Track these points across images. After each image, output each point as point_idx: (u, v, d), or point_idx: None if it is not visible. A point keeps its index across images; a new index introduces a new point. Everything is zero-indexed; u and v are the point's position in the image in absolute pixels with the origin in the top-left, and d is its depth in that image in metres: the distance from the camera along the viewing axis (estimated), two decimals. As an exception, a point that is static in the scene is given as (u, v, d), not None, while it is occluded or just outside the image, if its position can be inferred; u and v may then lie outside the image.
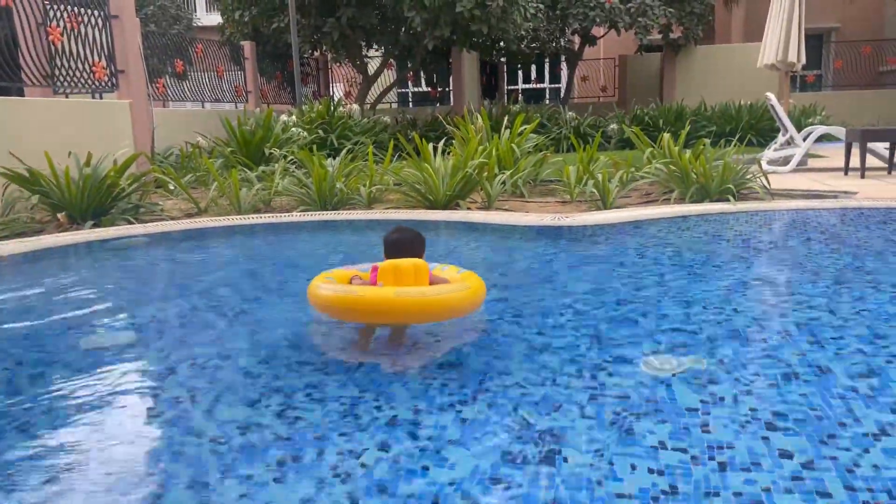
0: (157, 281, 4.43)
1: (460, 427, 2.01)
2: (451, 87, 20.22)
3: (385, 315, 2.60)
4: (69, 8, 8.05)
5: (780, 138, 9.35)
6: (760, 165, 6.65)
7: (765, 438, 1.88)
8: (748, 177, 6.48)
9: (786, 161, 8.91)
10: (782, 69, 9.99)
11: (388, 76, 17.79)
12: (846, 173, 8.11)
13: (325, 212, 6.27)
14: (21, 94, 8.03)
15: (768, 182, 6.46)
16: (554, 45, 18.57)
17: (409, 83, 22.58)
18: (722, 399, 2.14)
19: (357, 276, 2.80)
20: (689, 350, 2.59)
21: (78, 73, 8.10)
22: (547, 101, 22.11)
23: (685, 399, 2.14)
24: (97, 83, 8.43)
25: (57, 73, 7.95)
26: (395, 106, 20.81)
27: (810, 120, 12.88)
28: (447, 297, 2.59)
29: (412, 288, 2.57)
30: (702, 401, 2.13)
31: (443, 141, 7.72)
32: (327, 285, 2.71)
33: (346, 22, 13.58)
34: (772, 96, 9.48)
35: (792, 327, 2.90)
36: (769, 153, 9.17)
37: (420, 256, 2.85)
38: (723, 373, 2.35)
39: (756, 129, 13.52)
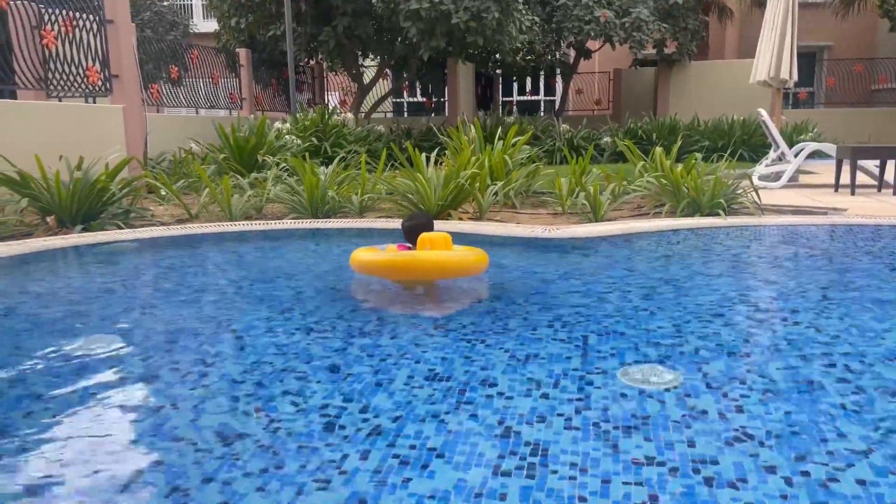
0: (143, 286, 4.41)
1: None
2: (445, 98, 20.28)
3: (430, 271, 3.72)
4: (64, 12, 8.05)
5: (772, 154, 9.40)
6: (751, 181, 6.68)
7: (753, 455, 1.87)
8: (739, 192, 6.51)
9: (777, 177, 8.96)
10: (775, 85, 10.07)
11: (384, 86, 17.82)
12: (836, 190, 8.16)
13: (316, 219, 6.26)
14: (14, 97, 8.01)
15: (759, 197, 6.49)
16: (549, 57, 18.67)
17: (405, 93, 22.63)
18: (705, 413, 2.14)
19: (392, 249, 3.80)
20: (671, 363, 2.58)
21: (71, 77, 8.08)
22: (541, 113, 22.19)
23: (671, 413, 2.14)
24: (91, 87, 8.41)
25: (50, 76, 7.93)
26: (389, 115, 20.86)
27: (802, 136, 12.96)
28: (467, 257, 3.72)
29: (451, 251, 3.65)
30: (684, 415, 2.12)
31: (436, 151, 7.73)
32: (382, 253, 3.76)
33: (341, 31, 13.62)
34: (763, 112, 9.54)
35: (779, 342, 2.91)
36: (760, 169, 9.22)
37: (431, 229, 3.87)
38: (705, 387, 2.35)
39: (748, 144, 13.60)
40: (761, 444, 1.93)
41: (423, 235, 3.66)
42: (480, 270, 3.85)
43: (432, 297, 3.78)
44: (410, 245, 3.83)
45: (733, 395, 2.28)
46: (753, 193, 6.52)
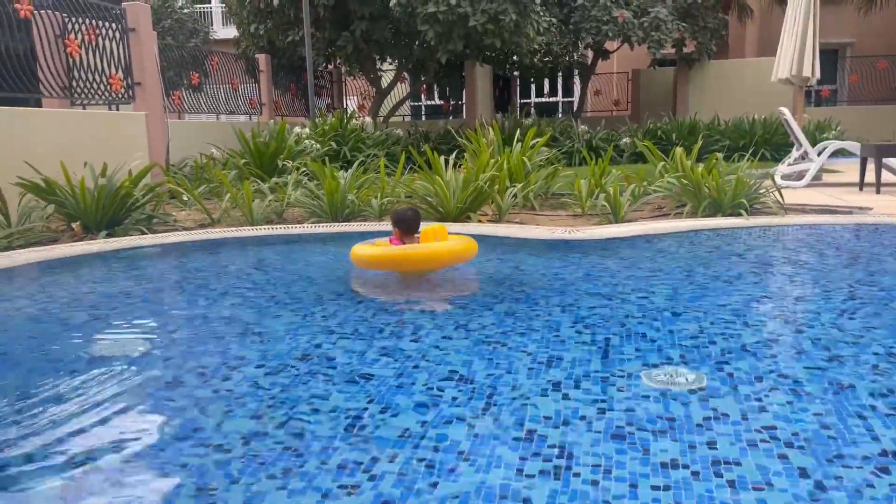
0: (166, 290, 4.46)
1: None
2: (463, 101, 20.29)
3: (427, 261, 4.05)
4: (87, 21, 8.17)
5: (794, 153, 9.29)
6: (774, 180, 6.61)
7: (782, 457, 1.85)
8: (761, 191, 6.44)
9: (800, 176, 8.85)
10: (797, 83, 9.95)
11: (402, 89, 17.88)
12: (861, 189, 8.05)
13: (336, 223, 6.29)
14: (39, 105, 8.14)
15: (782, 197, 6.42)
16: (567, 58, 18.61)
17: (422, 96, 22.69)
18: (727, 415, 2.12)
19: (386, 244, 4.11)
20: (695, 365, 2.56)
21: (95, 85, 8.20)
22: (559, 115, 22.13)
23: (694, 415, 2.12)
24: (114, 95, 8.53)
25: (74, 84, 8.06)
26: (407, 119, 20.91)
27: (825, 135, 12.79)
28: (458, 247, 4.06)
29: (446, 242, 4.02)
30: (706, 417, 2.11)
31: (454, 154, 7.74)
32: (379, 248, 4.04)
33: (360, 35, 13.69)
34: (785, 111, 9.44)
35: (805, 343, 2.87)
36: (783, 168, 9.12)
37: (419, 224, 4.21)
38: (730, 389, 2.33)
39: (770, 143, 13.45)
40: (788, 445, 1.91)
41: (427, 228, 4.02)
42: (470, 258, 4.22)
43: (452, 299, 3.79)
44: (402, 237, 4.14)
45: (758, 395, 2.26)
46: (776, 193, 6.45)
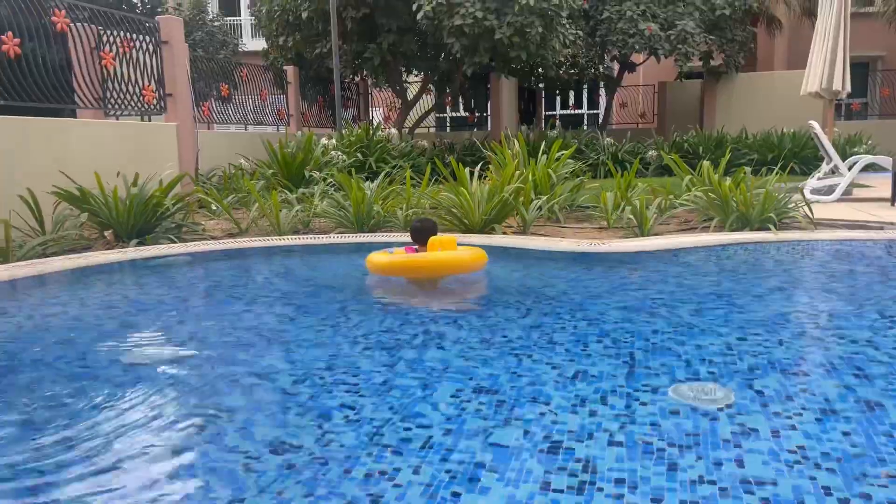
0: (196, 298, 4.53)
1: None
2: (488, 113, 20.34)
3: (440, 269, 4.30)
4: (122, 33, 8.36)
5: (824, 167, 9.17)
6: (803, 194, 6.53)
7: (812, 478, 1.83)
8: (790, 206, 6.37)
9: (830, 190, 8.73)
10: (827, 97, 9.83)
11: (427, 101, 17.96)
12: (893, 204, 7.91)
13: (362, 234, 6.34)
14: (73, 115, 8.33)
15: (811, 212, 6.34)
16: (593, 71, 18.57)
17: (448, 108, 22.78)
18: (756, 431, 2.10)
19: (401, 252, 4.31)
20: (723, 381, 2.54)
21: (128, 96, 8.38)
22: (585, 127, 22.08)
23: (722, 431, 2.11)
24: (146, 106, 8.70)
25: (108, 95, 8.24)
26: (432, 130, 21.00)
27: (855, 149, 12.61)
28: (467, 256, 4.27)
29: (456, 251, 4.22)
30: (733, 432, 2.09)
31: (479, 165, 7.76)
32: (390, 256, 4.27)
33: (386, 48, 13.81)
34: (815, 124, 9.33)
35: (835, 360, 2.83)
36: (812, 182, 9.00)
37: (436, 234, 4.37)
38: (759, 406, 2.30)
39: (799, 157, 13.28)
40: (817, 465, 1.89)
41: (433, 239, 4.21)
42: (478, 268, 4.41)
43: (478, 309, 3.81)
44: (418, 246, 4.35)
45: (787, 413, 2.24)
46: (805, 207, 6.37)
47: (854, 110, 19.76)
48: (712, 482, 1.81)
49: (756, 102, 18.08)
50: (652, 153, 13.54)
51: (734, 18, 16.71)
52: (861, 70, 19.50)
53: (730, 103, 18.47)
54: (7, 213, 5.66)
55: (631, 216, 6.35)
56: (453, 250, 4.23)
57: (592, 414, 2.27)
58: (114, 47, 8.26)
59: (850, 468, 1.87)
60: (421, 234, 4.37)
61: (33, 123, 6.79)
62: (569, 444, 2.04)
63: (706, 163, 7.04)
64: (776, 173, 6.99)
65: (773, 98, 17.71)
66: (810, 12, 16.78)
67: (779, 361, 2.78)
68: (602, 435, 2.11)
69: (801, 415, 2.23)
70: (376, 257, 4.34)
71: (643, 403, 2.35)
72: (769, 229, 5.83)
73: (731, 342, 3.03)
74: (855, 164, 8.81)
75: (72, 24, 7.68)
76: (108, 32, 8.27)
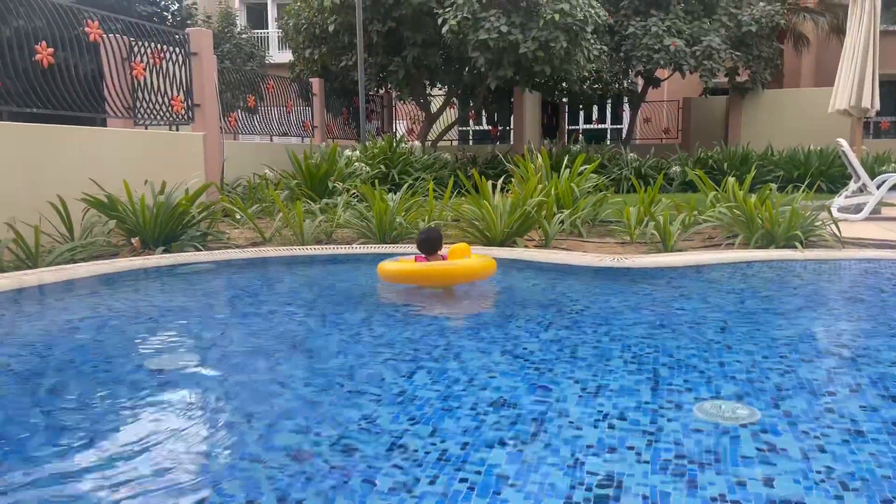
0: (221, 306, 4.57)
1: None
2: (511, 126, 20.37)
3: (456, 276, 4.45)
4: (153, 45, 8.52)
5: (852, 185, 9.05)
6: (830, 213, 6.44)
7: (838, 497, 1.80)
8: (817, 224, 6.29)
9: (858, 209, 8.61)
10: (855, 115, 9.72)
11: (450, 114, 18.05)
12: (923, 223, 7.78)
13: (384, 244, 6.37)
14: (104, 124, 8.49)
15: (839, 230, 6.25)
16: (617, 86, 18.54)
17: (471, 121, 22.85)
18: (784, 450, 2.07)
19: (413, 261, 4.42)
20: (748, 400, 2.51)
21: (157, 106, 8.53)
22: (608, 142, 22.01)
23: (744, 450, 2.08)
24: (175, 116, 8.85)
25: (138, 105, 8.39)
26: (455, 143, 21.07)
27: (884, 167, 12.43)
28: (477, 265, 4.41)
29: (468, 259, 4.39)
30: (758, 448, 2.06)
31: (502, 179, 7.77)
32: (400, 264, 4.44)
33: (411, 61, 13.92)
34: (843, 142, 9.22)
35: (862, 381, 2.78)
36: (840, 200, 8.88)
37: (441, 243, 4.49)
38: (785, 425, 2.27)
39: (826, 175, 13.13)
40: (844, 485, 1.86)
41: (453, 248, 4.43)
42: (489, 276, 4.54)
43: (498, 321, 3.80)
44: (426, 256, 4.45)
45: (815, 433, 2.20)
46: (833, 226, 6.29)
47: (883, 129, 19.51)
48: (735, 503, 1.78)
49: (782, 119, 17.92)
50: (676, 169, 13.46)
51: (760, 35, 16.61)
52: (890, 88, 19.26)
53: (755, 120, 18.33)
54: (38, 219, 5.76)
55: (654, 231, 6.31)
56: (465, 258, 4.38)
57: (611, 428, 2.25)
58: (144, 58, 8.42)
59: (877, 489, 1.84)
60: (427, 244, 4.46)
61: (64, 132, 6.94)
62: (590, 461, 2.03)
63: (731, 179, 6.98)
64: (802, 191, 6.91)
65: (799, 115, 17.55)
66: (838, 30, 16.65)
67: (806, 381, 2.74)
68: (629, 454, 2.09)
69: (828, 435, 2.20)
70: (388, 266, 4.47)
71: (669, 420, 2.32)
72: (795, 247, 5.76)
73: (756, 360, 2.99)
74: (884, 182, 8.68)
75: (104, 35, 7.84)
76: (140, 43, 8.43)
